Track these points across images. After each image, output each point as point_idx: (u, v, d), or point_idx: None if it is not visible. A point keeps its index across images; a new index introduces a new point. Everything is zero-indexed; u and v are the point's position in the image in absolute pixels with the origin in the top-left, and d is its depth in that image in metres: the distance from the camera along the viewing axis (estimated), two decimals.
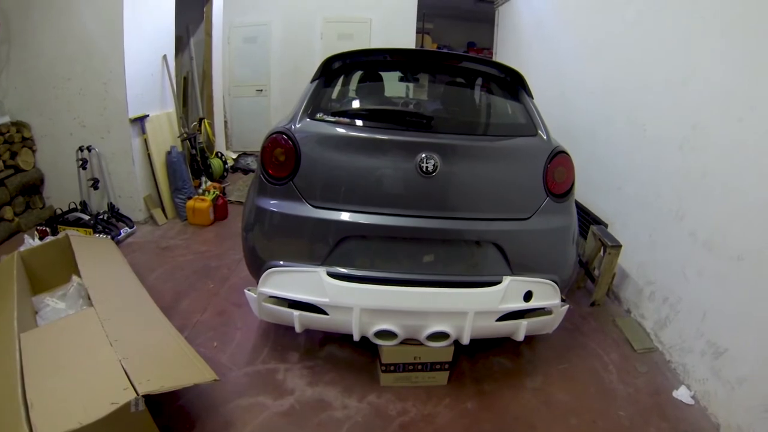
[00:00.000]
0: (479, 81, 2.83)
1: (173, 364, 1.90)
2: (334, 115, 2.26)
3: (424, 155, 2.01)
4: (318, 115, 2.20)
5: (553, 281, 2.16)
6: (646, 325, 2.97)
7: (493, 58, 7.40)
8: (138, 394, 1.60)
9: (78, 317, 2.20)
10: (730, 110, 2.39)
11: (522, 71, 2.47)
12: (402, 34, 7.02)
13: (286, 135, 2.10)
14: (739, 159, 2.30)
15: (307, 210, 2.07)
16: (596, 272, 3.27)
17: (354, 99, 2.79)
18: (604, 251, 3.12)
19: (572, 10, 4.60)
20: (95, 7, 3.79)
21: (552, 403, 2.30)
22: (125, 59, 3.85)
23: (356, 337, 2.09)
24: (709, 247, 2.47)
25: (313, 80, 2.37)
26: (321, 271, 2.03)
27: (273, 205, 2.11)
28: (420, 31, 7.24)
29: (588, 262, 3.30)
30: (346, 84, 2.73)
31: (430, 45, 8.28)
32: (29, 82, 3.98)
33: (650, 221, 3.03)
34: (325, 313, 2.05)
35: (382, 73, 2.86)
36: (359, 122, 2.21)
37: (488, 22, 7.65)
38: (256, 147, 7.46)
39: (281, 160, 2.09)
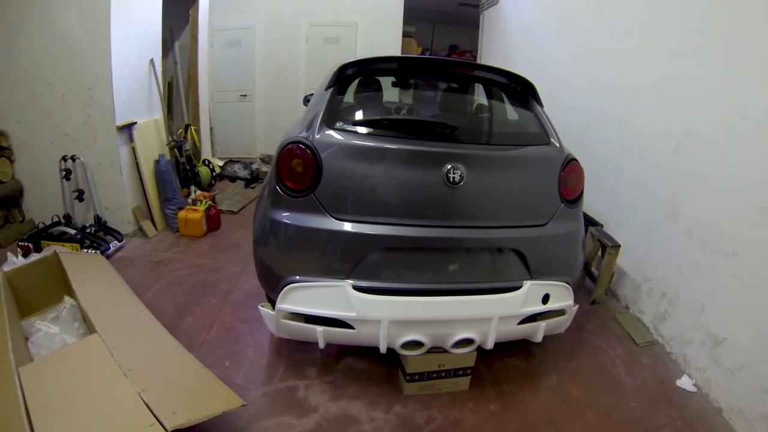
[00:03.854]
0: (490, 89, 2.77)
1: (196, 392, 1.75)
2: (354, 124, 2.15)
3: (450, 166, 1.94)
4: (338, 125, 2.07)
5: (566, 283, 2.19)
6: (645, 319, 3.01)
7: (478, 62, 7.40)
8: (167, 430, 1.44)
9: (82, 346, 1.99)
10: (722, 117, 2.45)
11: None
12: (388, 38, 6.86)
13: (304, 145, 1.97)
14: (732, 162, 2.38)
15: (330, 223, 1.94)
16: (595, 271, 3.27)
17: (372, 107, 2.66)
18: (603, 251, 3.13)
19: (562, 18, 4.60)
20: (80, 7, 3.49)
21: (568, 399, 2.33)
22: (112, 63, 3.57)
23: (383, 350, 2.00)
24: (705, 245, 2.54)
25: (327, 88, 2.22)
26: (346, 285, 1.92)
27: (292, 218, 1.98)
28: (403, 35, 7.11)
29: (587, 262, 3.29)
30: (359, 91, 2.59)
31: (415, 49, 8.16)
32: (6, 87, 3.63)
33: (645, 221, 3.06)
34: (351, 327, 1.95)
35: (393, 80, 2.76)
36: (382, 132, 2.10)
37: (470, 25, 7.59)
38: (241, 153, 7.24)
39: (299, 171, 1.95)
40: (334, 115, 2.11)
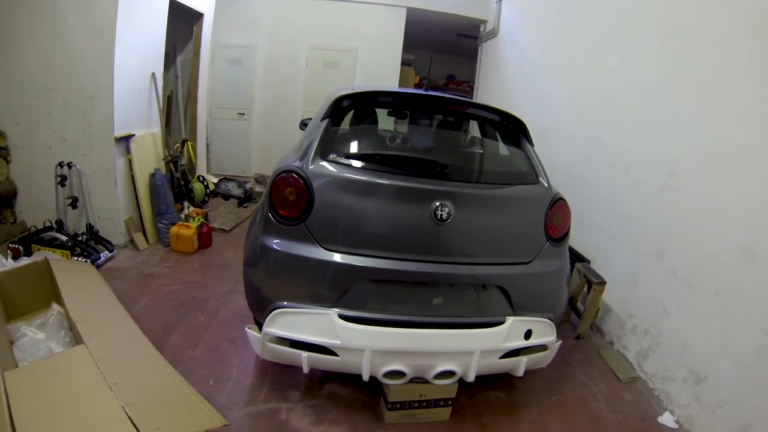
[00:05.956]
0: (483, 126, 2.88)
1: (179, 409, 1.81)
2: (347, 157, 2.23)
3: (438, 203, 2.03)
4: (331, 156, 2.17)
5: (549, 319, 2.26)
6: (628, 355, 3.09)
7: (474, 93, 7.59)
8: None
9: (69, 356, 2.05)
10: (707, 158, 2.58)
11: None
12: (387, 66, 7.06)
13: (297, 174, 2.07)
14: (716, 203, 2.50)
15: (319, 253, 2.03)
16: (581, 307, 3.36)
17: (365, 140, 2.75)
18: (589, 287, 3.23)
19: (557, 54, 4.80)
20: (87, 17, 3.63)
21: None
22: (114, 74, 3.69)
23: (365, 378, 2.06)
24: (689, 283, 2.64)
25: (322, 118, 2.32)
26: (332, 314, 2.00)
27: (282, 245, 2.07)
28: (402, 63, 7.30)
29: (573, 297, 3.39)
30: (354, 122, 2.69)
31: (413, 77, 8.40)
32: (8, 89, 3.74)
33: (631, 259, 3.17)
34: (335, 354, 2.02)
35: (388, 111, 2.87)
36: (374, 166, 2.17)
37: (468, 56, 7.86)
38: (236, 171, 7.36)
39: (291, 199, 2.05)
40: (328, 146, 2.21)
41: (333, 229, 2.05)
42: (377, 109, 2.91)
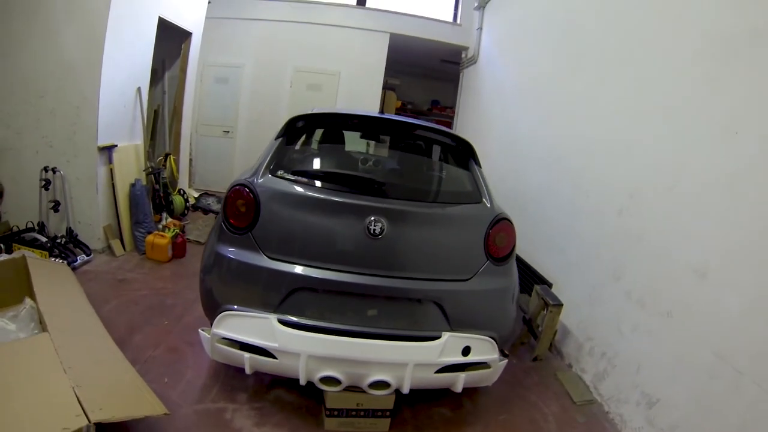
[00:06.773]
0: (432, 148, 3.11)
1: (125, 396, 2.02)
2: (294, 173, 2.44)
3: (372, 218, 2.24)
4: (279, 172, 2.43)
5: (491, 337, 2.37)
6: (586, 378, 3.20)
7: (455, 118, 7.91)
8: (90, 422, 1.71)
9: (32, 341, 2.27)
10: (662, 179, 2.77)
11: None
12: (369, 90, 7.43)
13: (248, 188, 2.33)
14: (669, 225, 2.66)
15: (263, 260, 2.26)
16: (539, 329, 3.53)
17: (313, 159, 3.00)
18: (547, 309, 3.40)
19: (527, 79, 5.11)
20: (78, 30, 3.95)
21: None
22: (101, 87, 4.00)
23: (302, 382, 2.22)
24: (643, 305, 2.78)
25: (277, 137, 2.60)
26: (272, 318, 2.20)
27: (232, 252, 2.30)
28: (385, 87, 7.64)
29: (532, 319, 3.55)
30: (307, 142, 2.94)
31: (394, 102, 8.74)
32: (1, 92, 4.03)
33: (590, 281, 3.35)
34: (274, 357, 2.20)
35: (343, 132, 3.11)
36: (316, 183, 2.41)
37: (453, 81, 8.18)
38: (218, 187, 7.69)
39: (242, 211, 2.30)
40: (278, 163, 2.48)
41: (275, 239, 2.28)
42: (343, 131, 3.13)
